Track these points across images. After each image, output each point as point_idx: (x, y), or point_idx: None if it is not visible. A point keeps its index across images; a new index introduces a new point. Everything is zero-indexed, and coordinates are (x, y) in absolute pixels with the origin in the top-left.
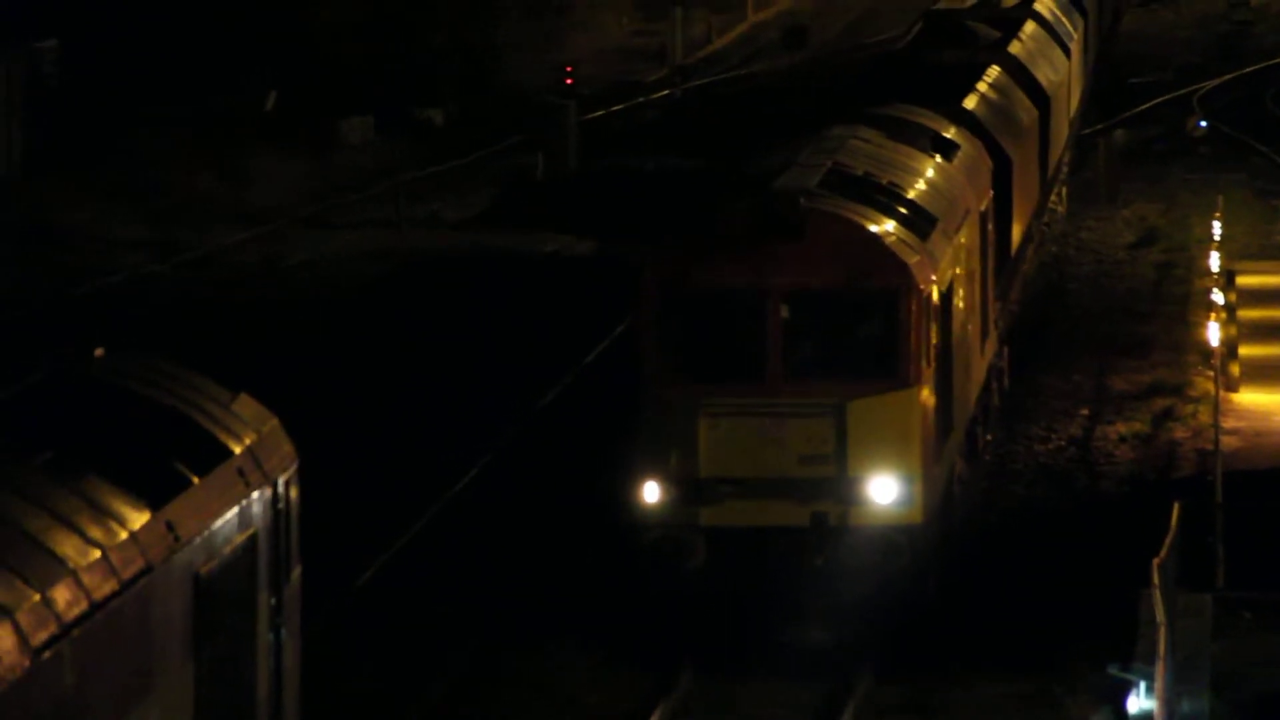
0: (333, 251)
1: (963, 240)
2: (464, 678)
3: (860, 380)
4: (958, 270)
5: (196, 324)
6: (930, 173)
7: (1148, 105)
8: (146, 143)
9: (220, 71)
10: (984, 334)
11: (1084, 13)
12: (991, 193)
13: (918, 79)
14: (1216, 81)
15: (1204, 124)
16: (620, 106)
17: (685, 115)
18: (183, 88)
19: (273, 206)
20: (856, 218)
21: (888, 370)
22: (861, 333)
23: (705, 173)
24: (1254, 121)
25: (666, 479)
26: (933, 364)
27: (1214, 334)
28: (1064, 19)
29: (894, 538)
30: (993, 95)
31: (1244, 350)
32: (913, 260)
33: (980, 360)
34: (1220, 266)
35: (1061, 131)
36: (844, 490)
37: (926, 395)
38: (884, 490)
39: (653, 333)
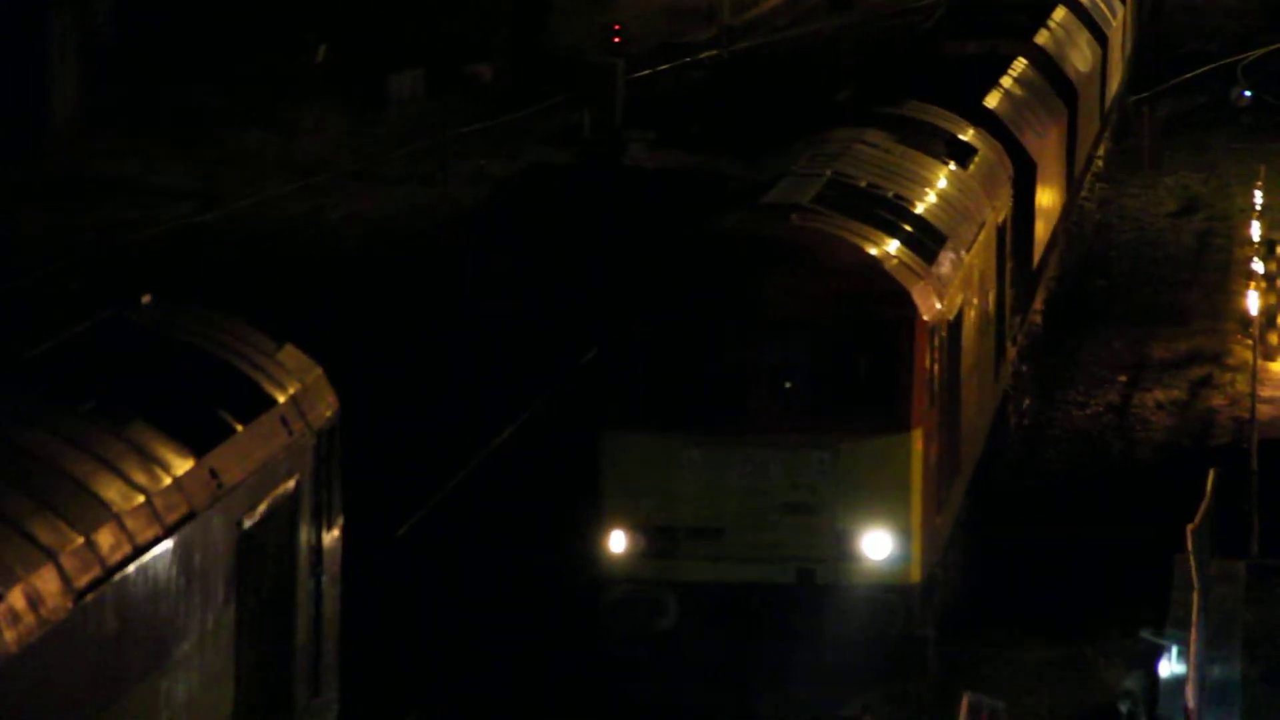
0: (378, 206)
1: (976, 258)
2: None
3: (854, 421)
4: (969, 292)
5: (243, 274)
6: (943, 183)
7: (1192, 74)
8: (197, 96)
9: (271, 25)
10: (999, 357)
11: None
12: (1012, 201)
13: (937, 71)
14: (1262, 51)
15: (1248, 94)
16: (667, 66)
17: (732, 76)
18: (234, 41)
19: (320, 160)
20: (854, 238)
21: (885, 411)
22: (856, 369)
23: (702, 175)
24: None
25: (636, 528)
26: (936, 402)
27: (1253, 303)
28: (1101, 3)
29: (887, 599)
30: (1017, 91)
31: None
32: (915, 287)
33: (995, 388)
34: (1261, 236)
35: (1092, 126)
36: (833, 544)
37: (928, 438)
38: (877, 545)
39: (624, 364)
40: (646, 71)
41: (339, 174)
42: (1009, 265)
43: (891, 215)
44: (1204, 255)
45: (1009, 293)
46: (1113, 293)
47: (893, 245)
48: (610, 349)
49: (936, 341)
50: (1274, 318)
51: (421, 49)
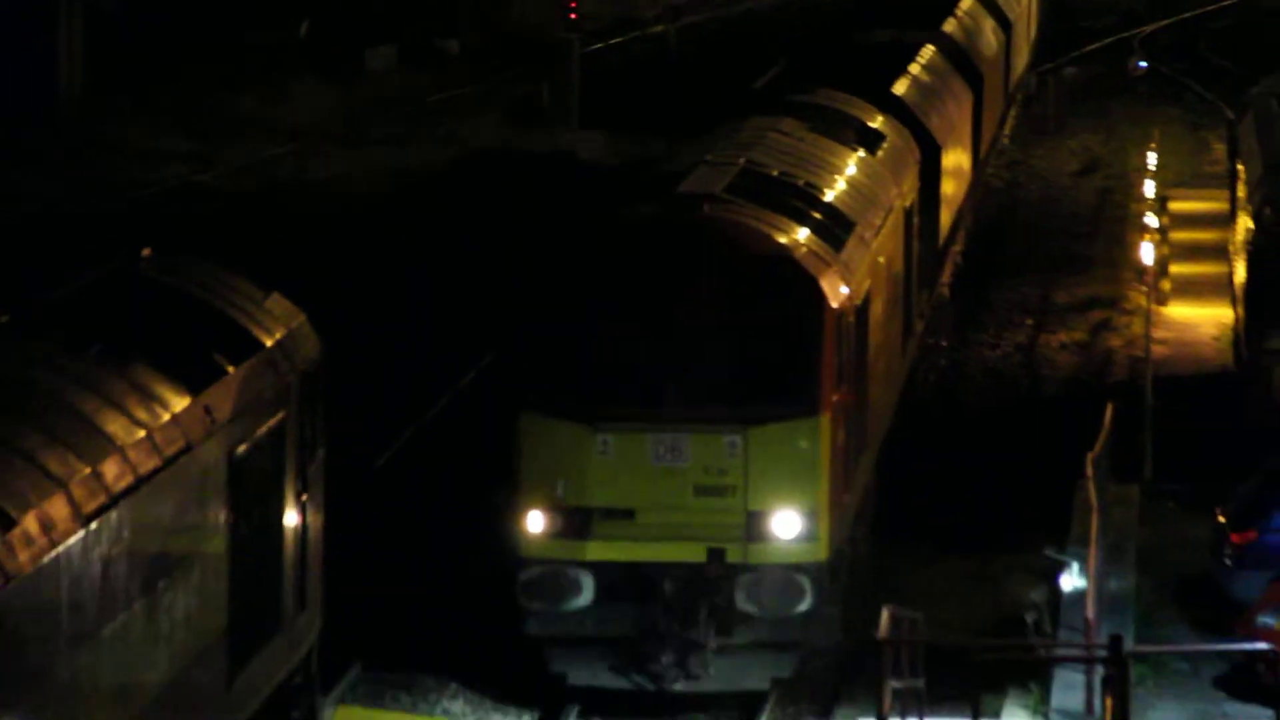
0: (358, 167)
1: (884, 242)
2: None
3: (763, 407)
4: (877, 276)
5: (235, 229)
6: (852, 170)
7: (1092, 47)
8: (193, 67)
9: (259, 3)
10: (907, 332)
11: None
12: (919, 184)
13: (848, 59)
14: (1155, 26)
15: (1144, 64)
16: (619, 40)
17: (679, 50)
18: (225, 18)
19: (305, 125)
20: (764, 228)
21: (793, 396)
22: (766, 355)
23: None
24: (1188, 62)
25: (551, 509)
26: (844, 386)
27: (1147, 253)
28: None
29: (796, 578)
30: (925, 78)
31: (1174, 268)
32: (824, 275)
33: (902, 362)
34: (1155, 193)
35: (997, 106)
36: (743, 525)
37: (835, 422)
38: (786, 526)
39: (539, 348)
40: (599, 45)
41: (322, 138)
42: (916, 245)
43: (802, 203)
44: (1103, 210)
45: (916, 271)
46: (1021, 244)
47: (802, 234)
48: (526, 334)
49: (844, 328)
50: (1166, 267)
51: (395, 25)
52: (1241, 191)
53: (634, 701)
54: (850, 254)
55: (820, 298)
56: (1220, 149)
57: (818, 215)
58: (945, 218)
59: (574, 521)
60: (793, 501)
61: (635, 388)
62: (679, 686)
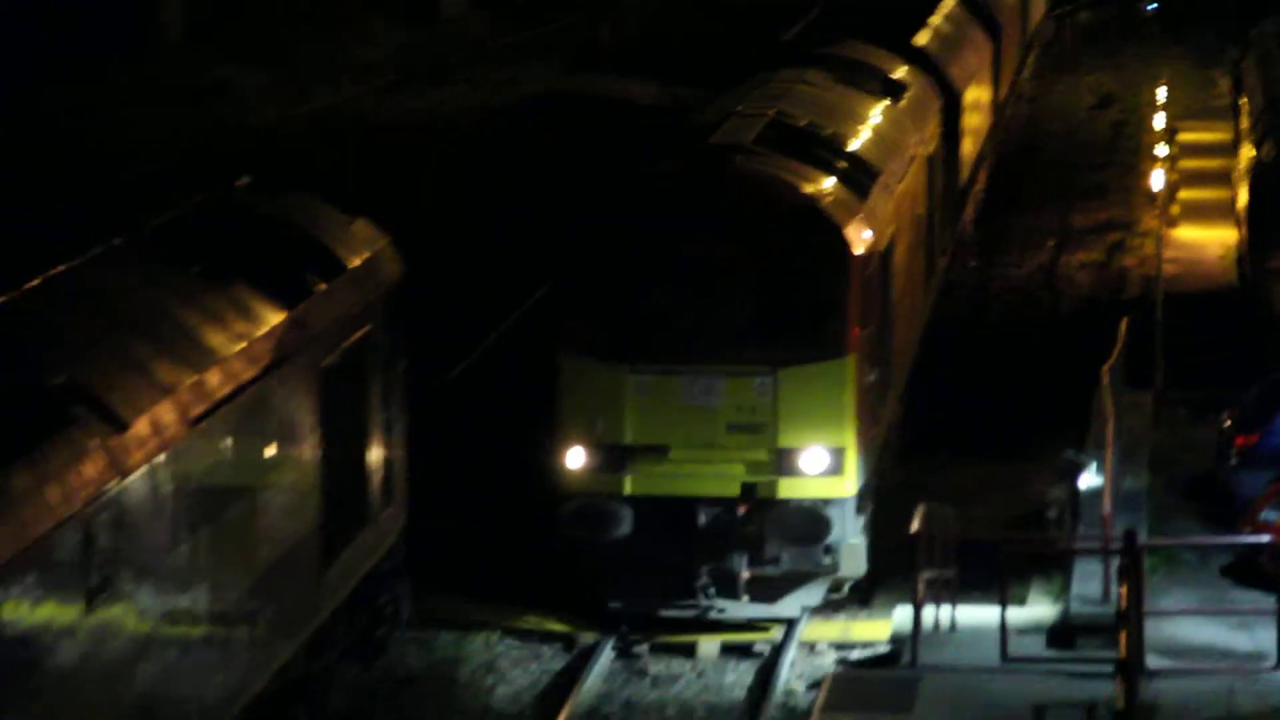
0: (436, 103)
1: (907, 187)
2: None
3: (792, 348)
4: (901, 221)
5: (323, 160)
6: (876, 119)
7: None
8: (282, 14)
9: None
10: (930, 270)
11: None
12: (941, 130)
13: (874, 11)
14: None
15: (1153, 6)
16: None
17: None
18: None
19: (385, 68)
20: (791, 178)
21: (821, 339)
22: (794, 300)
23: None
24: (1196, 3)
25: (590, 445)
26: (869, 327)
27: (1158, 180)
28: None
29: (823, 511)
30: (946, 29)
31: (1183, 194)
32: (849, 224)
33: (925, 299)
34: (1164, 125)
35: (1016, 53)
36: (774, 461)
37: (861, 362)
38: (814, 462)
39: (580, 294)
40: None
41: (402, 80)
42: (938, 188)
43: (828, 154)
44: (1117, 141)
45: (939, 212)
46: (1043, 173)
47: (828, 183)
48: (567, 280)
49: (868, 273)
50: (1175, 193)
51: None
52: (1244, 123)
53: (671, 628)
54: (874, 202)
55: (845, 245)
56: (1225, 84)
57: (843, 165)
58: (966, 160)
59: (612, 457)
60: (820, 439)
61: (669, 331)
62: (714, 614)
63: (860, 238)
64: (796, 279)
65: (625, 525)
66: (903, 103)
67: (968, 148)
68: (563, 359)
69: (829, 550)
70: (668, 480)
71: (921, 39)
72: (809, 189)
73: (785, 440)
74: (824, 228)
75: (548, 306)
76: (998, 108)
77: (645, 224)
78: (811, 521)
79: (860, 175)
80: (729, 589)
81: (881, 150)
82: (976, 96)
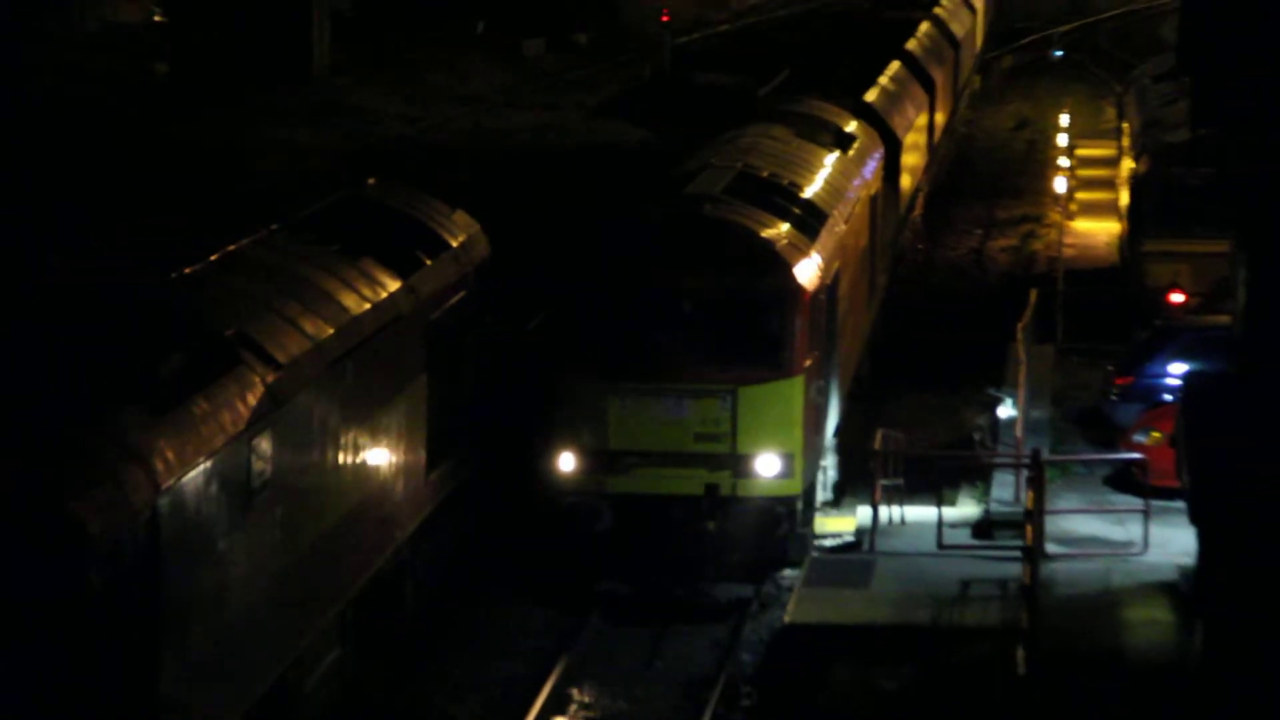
0: (523, 122)
1: (853, 225)
2: None
3: (750, 369)
4: (846, 255)
5: (435, 165)
6: (828, 168)
7: (1025, 41)
8: (404, 53)
9: (450, 9)
10: (871, 290)
11: None
12: (884, 172)
13: (832, 72)
14: (1068, 26)
15: (1059, 53)
16: (695, 35)
17: (737, 42)
18: (426, 17)
19: (481, 94)
20: (752, 225)
21: (774, 362)
22: (752, 328)
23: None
24: (1091, 51)
25: (580, 451)
26: (816, 349)
27: (1060, 185)
28: (956, 17)
29: (775, 508)
30: (890, 87)
31: (1079, 195)
32: (799, 263)
33: (868, 314)
34: (1066, 143)
35: (948, 102)
36: (734, 464)
37: (809, 381)
38: (768, 465)
39: (572, 322)
40: (683, 39)
41: (493, 104)
42: (881, 219)
43: (785, 201)
44: (1031, 155)
45: (881, 240)
46: (974, 178)
47: (784, 228)
48: (560, 313)
49: (816, 305)
50: (1073, 194)
51: (543, 23)
52: (1125, 142)
53: (647, 606)
54: (823, 242)
55: (795, 283)
56: (1111, 112)
57: (798, 211)
58: (906, 194)
59: (597, 462)
60: (773, 447)
61: (647, 355)
62: (682, 593)
63: (809, 275)
64: (754, 312)
65: (608, 519)
66: (851, 152)
67: (906, 183)
68: (558, 380)
69: (779, 541)
70: (644, 481)
71: (870, 95)
72: (767, 234)
73: (743, 448)
74: (778, 269)
75: (544, 333)
76: (932, 149)
77: (629, 263)
78: (765, 516)
79: (812, 220)
80: (695, 573)
81: (831, 196)
82: (915, 140)
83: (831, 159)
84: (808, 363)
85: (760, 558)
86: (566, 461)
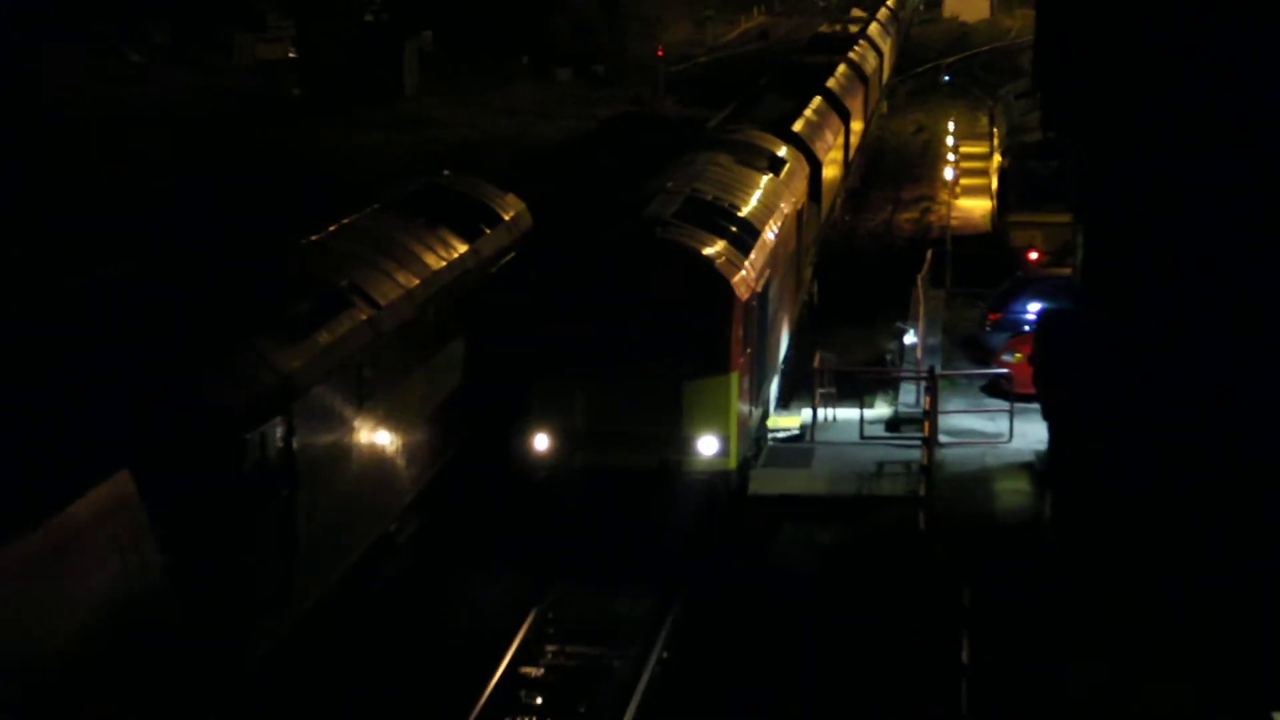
0: (552, 131)
1: (781, 236)
2: None
3: (692, 367)
4: (776, 263)
5: (489, 162)
6: (763, 188)
7: (922, 69)
8: (469, 80)
9: (504, 48)
10: (798, 285)
11: (894, 26)
12: (808, 188)
13: (768, 106)
14: (953, 58)
15: (948, 78)
16: (681, 65)
17: (712, 71)
18: (485, 54)
19: (526, 110)
20: (695, 244)
21: (712, 361)
22: (694, 332)
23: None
24: (969, 76)
25: (553, 432)
26: (748, 346)
27: (949, 173)
28: (865, 59)
29: (714, 480)
30: (813, 118)
31: (962, 181)
32: (733, 276)
33: (796, 303)
34: (953, 143)
35: (860, 128)
36: (680, 444)
37: (741, 375)
38: (708, 446)
39: (548, 324)
40: (674, 68)
41: (532, 116)
42: (805, 227)
43: (724, 221)
44: (926, 151)
45: (807, 242)
46: (885, 169)
47: (721, 245)
48: (536, 319)
49: (748, 310)
50: (958, 179)
51: (570, 58)
52: (995, 143)
53: (607, 564)
54: (755, 255)
55: (730, 294)
56: (985, 121)
57: (734, 229)
58: (826, 203)
59: (568, 441)
60: (712, 430)
61: (609, 354)
62: (638, 550)
63: (742, 285)
64: (695, 319)
65: (576, 489)
66: (782, 174)
67: (827, 195)
68: (534, 372)
69: (718, 507)
70: (607, 457)
71: (797, 126)
72: (707, 252)
73: (687, 431)
74: (715, 282)
75: (521, 335)
76: (848, 164)
77: (593, 277)
78: (706, 487)
79: (746, 236)
80: (648, 534)
81: (764, 212)
82: (834, 158)
83: (765, 180)
84: (741, 360)
85: (702, 523)
86: (541, 441)
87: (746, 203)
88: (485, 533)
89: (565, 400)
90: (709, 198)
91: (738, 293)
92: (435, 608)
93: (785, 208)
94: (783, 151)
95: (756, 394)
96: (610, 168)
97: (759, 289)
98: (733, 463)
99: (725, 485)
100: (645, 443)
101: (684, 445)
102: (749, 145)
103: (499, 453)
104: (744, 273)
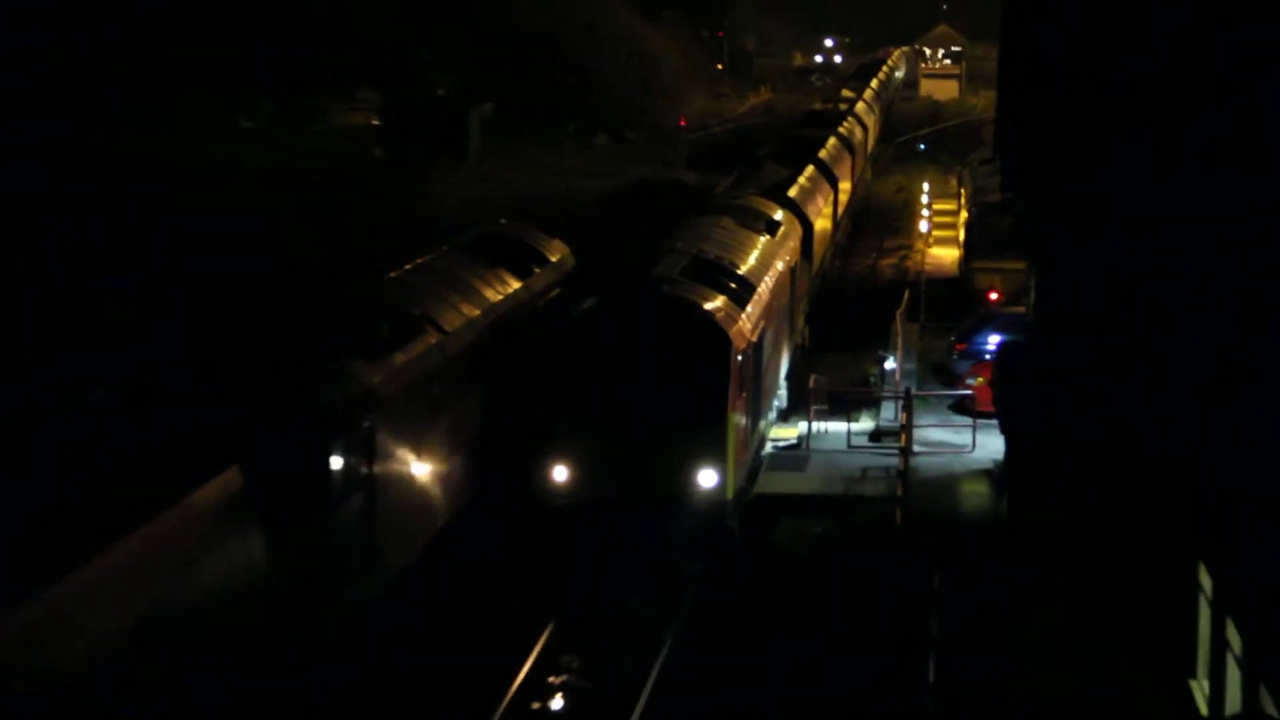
0: (595, 186)
1: (776, 290)
2: None
3: (692, 413)
4: (770, 314)
5: (539, 213)
6: (759, 249)
7: (902, 139)
8: (527, 146)
9: (553, 115)
10: (791, 331)
11: (879, 104)
12: (800, 247)
13: (768, 174)
14: (927, 130)
15: (923, 146)
16: (699, 133)
17: (725, 139)
18: (540, 123)
19: (570, 170)
20: (698, 300)
21: (711, 403)
22: (695, 382)
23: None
24: (941, 145)
25: (571, 465)
26: (744, 393)
27: (924, 226)
28: (853, 132)
29: (712, 507)
30: (806, 184)
31: (934, 233)
32: (732, 330)
33: (789, 348)
34: (927, 200)
35: (848, 191)
36: (683, 479)
37: (737, 420)
38: (707, 479)
39: (568, 367)
40: (694, 135)
41: (576, 175)
42: (799, 280)
43: (725, 278)
44: (905, 207)
45: (800, 292)
46: (870, 222)
47: (721, 300)
48: (559, 363)
49: (744, 361)
50: (931, 232)
51: (606, 125)
52: (963, 201)
53: (620, 576)
54: (751, 309)
55: (729, 346)
56: (954, 183)
57: (734, 286)
58: (817, 259)
59: (584, 474)
60: (711, 466)
61: (620, 398)
62: (646, 568)
63: (739, 338)
64: (697, 369)
65: (590, 519)
66: (778, 235)
67: (817, 252)
68: (555, 419)
69: (716, 534)
70: (618, 488)
71: (792, 192)
72: (709, 307)
73: (690, 466)
74: (716, 336)
75: (546, 375)
76: (836, 224)
77: (608, 327)
78: (706, 515)
79: (744, 292)
80: (655, 560)
81: (760, 270)
82: (824, 221)
83: (762, 241)
84: (737, 403)
85: (702, 547)
86: (560, 474)
87: (746, 262)
88: (509, 549)
89: (582, 437)
90: (713, 257)
91: (735, 343)
92: (463, 611)
93: (780, 265)
94: (779, 215)
95: (752, 430)
96: (642, 219)
97: (754, 339)
98: (729, 493)
99: (722, 512)
100: (652, 476)
101: (686, 478)
102: (750, 209)
103: (525, 479)
104: (741, 324)
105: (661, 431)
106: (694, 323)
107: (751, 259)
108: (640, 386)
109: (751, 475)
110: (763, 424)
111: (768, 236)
